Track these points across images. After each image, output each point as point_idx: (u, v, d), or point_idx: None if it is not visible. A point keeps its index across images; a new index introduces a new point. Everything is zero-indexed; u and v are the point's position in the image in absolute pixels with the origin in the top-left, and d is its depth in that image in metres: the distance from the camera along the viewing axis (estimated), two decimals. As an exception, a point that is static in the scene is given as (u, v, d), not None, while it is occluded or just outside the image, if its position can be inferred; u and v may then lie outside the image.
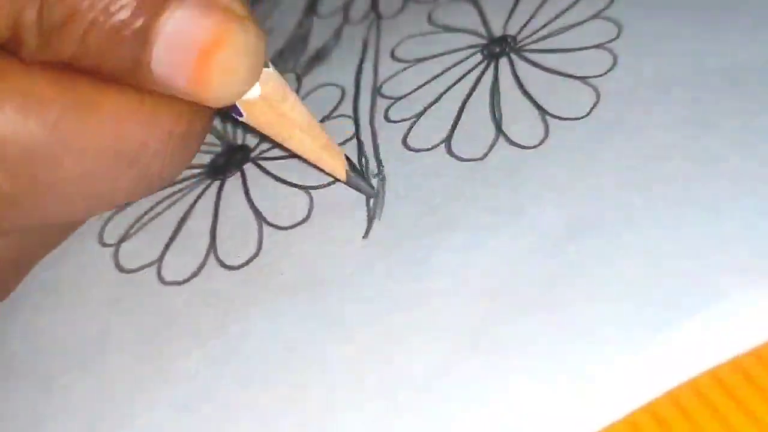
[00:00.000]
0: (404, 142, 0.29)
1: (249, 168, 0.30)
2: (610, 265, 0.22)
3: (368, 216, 0.26)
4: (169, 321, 0.26)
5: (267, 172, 0.30)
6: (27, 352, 0.27)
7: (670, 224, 0.23)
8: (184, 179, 0.31)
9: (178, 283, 0.27)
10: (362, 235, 0.26)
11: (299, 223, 0.27)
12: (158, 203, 0.30)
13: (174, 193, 0.31)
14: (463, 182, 0.26)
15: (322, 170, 0.27)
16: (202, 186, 0.30)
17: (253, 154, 0.31)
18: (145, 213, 0.30)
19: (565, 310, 0.22)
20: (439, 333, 0.23)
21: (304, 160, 0.27)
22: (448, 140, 0.28)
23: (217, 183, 0.30)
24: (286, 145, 0.26)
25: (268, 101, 0.25)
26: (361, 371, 0.22)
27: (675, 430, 0.19)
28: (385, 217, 0.26)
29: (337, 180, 0.28)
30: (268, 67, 0.25)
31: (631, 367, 0.20)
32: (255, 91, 0.24)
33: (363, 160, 0.29)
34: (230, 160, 0.31)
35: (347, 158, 0.27)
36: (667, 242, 0.22)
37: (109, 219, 0.31)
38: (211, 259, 0.28)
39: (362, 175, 0.27)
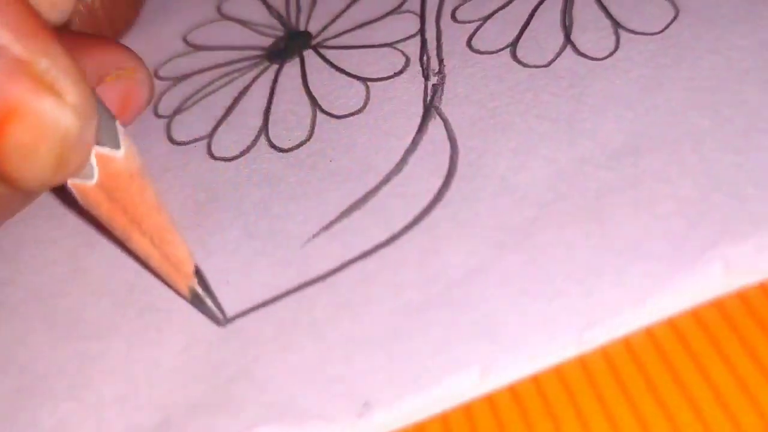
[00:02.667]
0: (469, 43, 0.28)
1: (309, 55, 0.30)
2: (667, 183, 0.22)
3: (423, 111, 0.26)
4: (213, 195, 0.26)
5: (327, 60, 0.29)
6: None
7: (737, 149, 0.22)
8: (242, 59, 0.31)
9: (227, 160, 0.27)
10: (415, 130, 0.26)
11: (354, 113, 0.27)
12: (215, 81, 0.30)
13: (231, 72, 0.30)
14: (524, 88, 0.26)
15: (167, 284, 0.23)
16: (260, 68, 0.30)
17: (314, 41, 0.30)
18: (202, 88, 0.30)
19: (613, 222, 0.21)
20: (482, 232, 0.22)
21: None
22: (513, 45, 0.27)
23: (275, 67, 0.30)
24: (126, 245, 0.22)
25: (106, 191, 0.20)
26: (399, 262, 0.22)
27: (716, 336, 0.19)
28: (440, 115, 0.26)
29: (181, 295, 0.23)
30: (118, 149, 0.20)
31: (675, 283, 0.20)
32: (91, 176, 0.20)
33: (425, 57, 0.28)
34: (291, 45, 0.30)
35: (198, 274, 0.22)
36: (731, 167, 0.21)
37: (165, 92, 0.31)
38: (262, 140, 0.27)
39: (213, 295, 0.22)
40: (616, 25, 0.26)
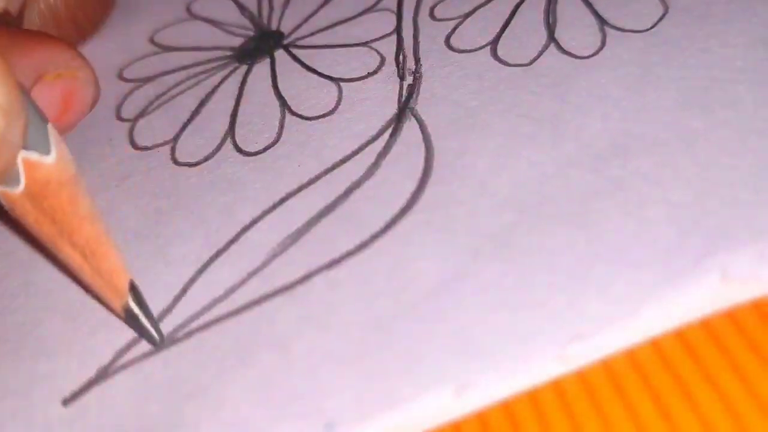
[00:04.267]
0: (447, 41, 0.26)
1: (280, 55, 0.28)
2: (657, 186, 0.20)
3: (398, 112, 0.24)
4: (176, 203, 0.24)
5: (298, 60, 0.28)
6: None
7: (732, 152, 0.20)
8: (211, 60, 0.29)
9: (191, 165, 0.26)
10: (389, 133, 0.24)
11: (324, 115, 0.25)
12: (182, 82, 0.29)
13: (199, 74, 0.29)
14: (505, 87, 0.24)
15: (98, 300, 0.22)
16: (229, 69, 0.28)
17: (286, 41, 0.29)
18: (168, 90, 0.29)
19: (599, 228, 0.20)
20: (458, 239, 0.21)
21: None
22: (494, 43, 0.26)
23: (244, 68, 0.28)
24: (58, 256, 0.20)
25: (33, 199, 0.19)
26: (368, 271, 0.21)
27: (704, 357, 0.17)
28: (415, 116, 0.24)
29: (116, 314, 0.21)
30: (48, 154, 0.19)
31: (664, 295, 0.18)
32: (17, 182, 0.18)
33: (401, 56, 0.26)
34: (262, 45, 0.29)
35: (134, 290, 0.21)
36: (726, 170, 0.20)
37: (129, 94, 0.29)
38: (228, 144, 0.26)
39: (149, 314, 0.21)
40: (602, 22, 0.25)
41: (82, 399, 0.20)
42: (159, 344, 0.20)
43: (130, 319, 0.21)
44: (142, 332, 0.21)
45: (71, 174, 0.19)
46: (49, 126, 0.19)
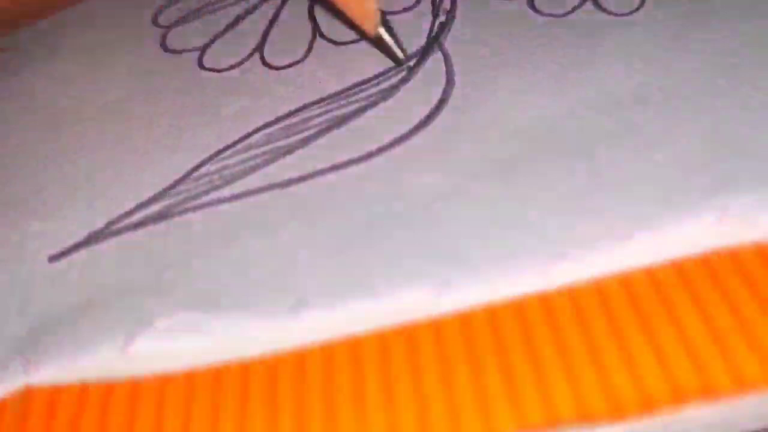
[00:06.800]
0: (487, -13, 0.26)
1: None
2: (670, 133, 0.20)
3: (425, 45, 0.24)
4: (194, 100, 0.25)
5: (337, -10, 0.28)
6: (47, 99, 0.26)
7: (752, 109, 0.20)
8: (253, -18, 0.30)
9: (216, 71, 0.26)
10: (414, 62, 0.24)
11: (353, 41, 0.25)
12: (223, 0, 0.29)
13: (239, -6, 0.29)
14: (536, 34, 0.24)
15: (350, 20, 0.24)
16: (269, -9, 0.29)
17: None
18: (207, 4, 0.29)
19: (603, 162, 0.19)
20: (463, 160, 0.20)
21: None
22: (533, -7, 0.26)
23: (284, -8, 0.29)
24: None
25: None
26: (368, 177, 0.20)
27: (698, 288, 0.17)
28: (442, 51, 0.24)
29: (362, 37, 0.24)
30: None
31: (660, 226, 0.18)
32: None
33: (438, -3, 0.26)
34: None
35: (382, 14, 0.23)
36: (743, 125, 0.19)
37: (168, 5, 0.29)
38: (255, 58, 0.26)
39: (395, 35, 0.23)
40: (644, -18, 0.25)
41: (69, 258, 0.20)
42: (403, 63, 0.23)
43: (378, 40, 0.23)
44: (388, 53, 0.23)
45: None
46: None
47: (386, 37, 0.23)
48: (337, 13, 0.24)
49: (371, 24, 0.23)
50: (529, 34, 0.24)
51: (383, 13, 0.23)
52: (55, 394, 0.18)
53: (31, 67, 0.27)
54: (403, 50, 0.23)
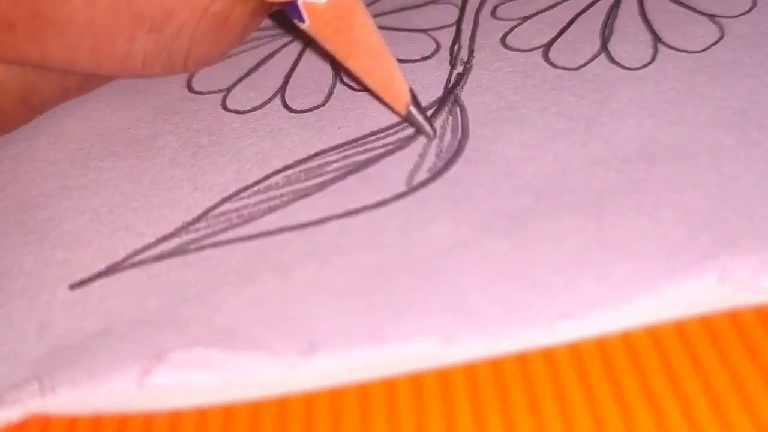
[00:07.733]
0: (503, 39, 0.27)
1: (343, 30, 0.29)
2: (676, 192, 0.20)
3: (442, 96, 0.25)
4: (215, 141, 0.25)
5: (358, 36, 0.29)
6: (77, 135, 0.27)
7: (758, 171, 0.20)
8: (275, 27, 0.31)
9: (238, 112, 0.27)
10: (431, 113, 0.25)
11: (373, 88, 0.26)
12: (247, 42, 0.30)
13: (263, 38, 0.30)
14: (549, 87, 0.25)
15: (381, 100, 0.25)
16: (291, 37, 0.30)
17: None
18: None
19: (610, 220, 0.20)
20: (473, 213, 0.21)
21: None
22: (548, 46, 0.26)
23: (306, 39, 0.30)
24: (345, 65, 0.24)
25: (336, 10, 0.23)
26: (382, 224, 0.21)
27: (698, 351, 0.17)
28: (458, 102, 0.25)
29: (396, 114, 0.25)
30: None
31: (660, 287, 0.18)
32: None
33: (456, 46, 0.27)
34: (327, 19, 0.30)
35: (412, 93, 0.24)
36: (748, 186, 0.20)
37: (196, 45, 0.30)
38: (277, 100, 0.27)
39: (424, 112, 0.24)
40: (657, 39, 0.25)
41: (88, 287, 0.21)
42: (432, 138, 0.24)
43: (410, 115, 0.24)
44: (420, 127, 0.24)
45: None
46: None
47: (418, 116, 0.24)
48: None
49: (402, 104, 0.24)
50: (542, 87, 0.25)
51: (412, 92, 0.24)
52: (71, 423, 0.18)
53: (64, 107, 0.28)
54: (432, 126, 0.24)
